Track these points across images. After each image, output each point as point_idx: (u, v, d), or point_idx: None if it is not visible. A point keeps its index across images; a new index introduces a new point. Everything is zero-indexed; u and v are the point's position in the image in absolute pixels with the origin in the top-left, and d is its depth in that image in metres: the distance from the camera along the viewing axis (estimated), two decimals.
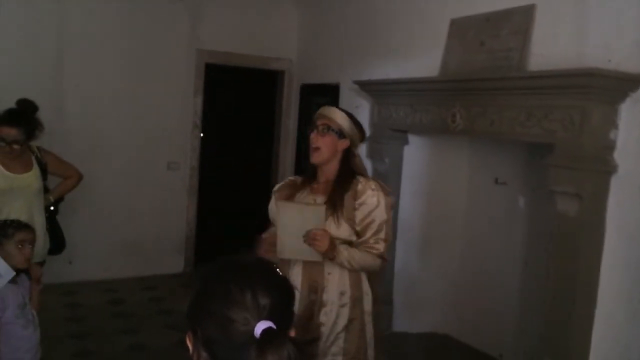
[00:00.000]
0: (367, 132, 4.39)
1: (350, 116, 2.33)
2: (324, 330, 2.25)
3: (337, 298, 2.26)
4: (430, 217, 4.38)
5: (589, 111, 2.74)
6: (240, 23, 5.62)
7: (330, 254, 2.17)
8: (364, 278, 2.30)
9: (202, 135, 5.67)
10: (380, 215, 2.21)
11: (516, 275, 3.99)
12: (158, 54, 5.30)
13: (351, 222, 2.21)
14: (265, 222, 7.12)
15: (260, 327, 0.95)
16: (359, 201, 2.21)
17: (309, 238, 2.15)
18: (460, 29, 3.83)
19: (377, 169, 4.32)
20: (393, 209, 2.28)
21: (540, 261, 3.73)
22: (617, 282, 2.82)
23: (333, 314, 2.26)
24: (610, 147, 2.81)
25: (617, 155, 2.82)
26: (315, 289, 2.27)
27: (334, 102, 5.21)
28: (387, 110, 4.20)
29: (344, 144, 2.28)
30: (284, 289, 1.05)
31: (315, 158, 2.28)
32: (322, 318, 2.25)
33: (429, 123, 3.82)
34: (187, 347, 1.05)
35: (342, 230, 2.21)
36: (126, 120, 5.22)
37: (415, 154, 4.34)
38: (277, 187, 2.48)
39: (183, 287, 5.31)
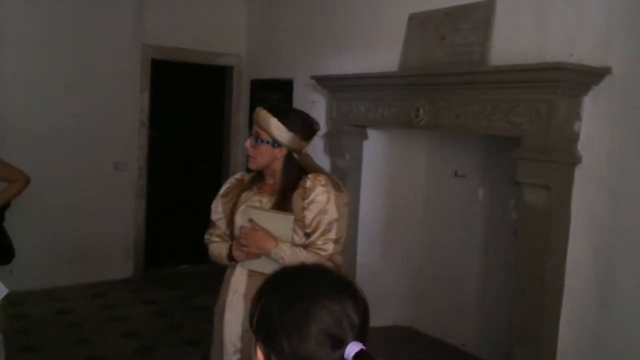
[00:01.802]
0: (325, 128, 4.41)
1: (288, 120, 2.06)
2: None
3: None
4: (391, 211, 4.39)
5: (556, 104, 2.81)
6: (186, 17, 5.43)
7: (267, 250, 1.98)
8: None
9: (149, 133, 5.45)
10: (331, 212, 2.00)
11: (476, 266, 4.07)
12: (102, 48, 5.04)
13: (301, 223, 2.01)
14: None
15: (353, 349, 0.88)
16: (308, 200, 2.01)
17: (238, 242, 2.01)
18: (419, 23, 3.84)
19: (338, 165, 4.29)
20: (347, 206, 2.05)
21: (500, 252, 3.83)
22: (583, 269, 2.92)
23: None
24: (575, 139, 2.90)
25: (581, 147, 2.92)
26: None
27: (288, 98, 5.13)
28: (347, 106, 4.17)
29: (281, 152, 2.06)
30: (367, 306, 0.98)
31: (250, 165, 2.11)
32: None
33: (391, 118, 3.82)
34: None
35: (295, 236, 2.02)
36: (69, 120, 4.93)
37: (374, 148, 4.33)
38: (223, 189, 2.25)
39: (133, 292, 5.10)
